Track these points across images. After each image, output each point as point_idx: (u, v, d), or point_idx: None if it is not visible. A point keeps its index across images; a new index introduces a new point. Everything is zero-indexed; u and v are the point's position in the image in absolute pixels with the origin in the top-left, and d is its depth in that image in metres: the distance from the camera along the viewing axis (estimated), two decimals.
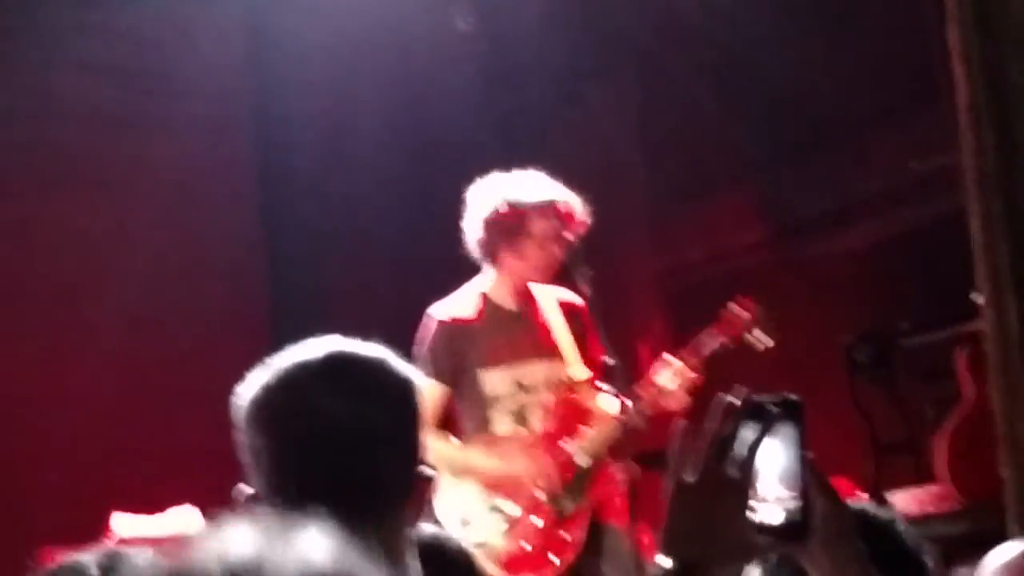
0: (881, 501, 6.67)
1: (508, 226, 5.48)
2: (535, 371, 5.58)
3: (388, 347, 2.22)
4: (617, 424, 5.49)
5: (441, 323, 5.55)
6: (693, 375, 5.45)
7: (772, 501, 1.94)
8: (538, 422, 5.59)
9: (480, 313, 5.59)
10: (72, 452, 7.20)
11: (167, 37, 7.80)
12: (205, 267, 7.77)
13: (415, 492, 2.16)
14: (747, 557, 1.97)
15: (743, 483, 1.92)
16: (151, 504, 6.50)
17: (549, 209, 5.47)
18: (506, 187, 5.54)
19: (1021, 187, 4.88)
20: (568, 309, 5.64)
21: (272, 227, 8.24)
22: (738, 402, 1.95)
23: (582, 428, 5.56)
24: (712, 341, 5.58)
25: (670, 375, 5.46)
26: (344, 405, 2.11)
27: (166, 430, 7.47)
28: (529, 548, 5.54)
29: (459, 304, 5.62)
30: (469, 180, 5.60)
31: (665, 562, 1.89)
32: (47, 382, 7.29)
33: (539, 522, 5.55)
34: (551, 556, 5.53)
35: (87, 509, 6.14)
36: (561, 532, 5.54)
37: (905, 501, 6.47)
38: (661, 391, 5.45)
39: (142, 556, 1.83)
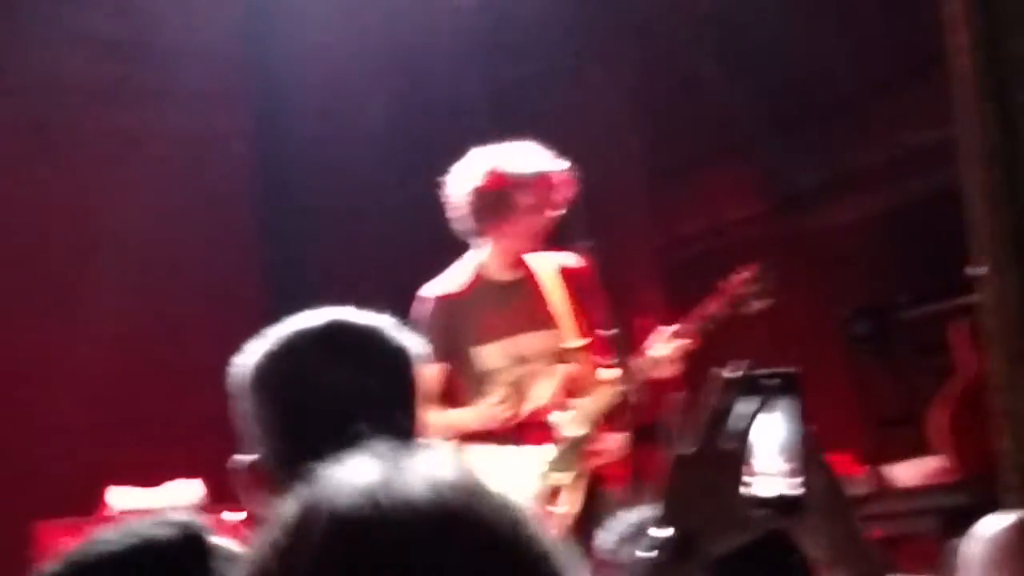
0: (879, 473, 6.68)
1: (493, 197, 5.46)
2: (532, 342, 5.57)
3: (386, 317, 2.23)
4: (611, 392, 5.48)
5: (432, 300, 5.55)
6: (686, 342, 5.44)
7: (769, 475, 1.95)
8: (538, 393, 5.58)
9: (471, 287, 5.57)
10: (69, 425, 7.20)
11: (163, 8, 7.77)
12: (202, 239, 7.76)
13: None
14: (744, 530, 1.98)
15: (739, 456, 1.93)
16: (148, 477, 6.50)
17: (534, 178, 5.45)
18: (489, 158, 5.52)
19: (1019, 159, 4.87)
20: (569, 274, 5.62)
21: (269, 199, 8.23)
22: (735, 376, 1.96)
23: (573, 399, 5.56)
24: (709, 307, 5.58)
25: (662, 342, 5.46)
26: (342, 372, 2.12)
27: (163, 402, 7.47)
28: None
29: (450, 281, 5.61)
30: (462, 153, 5.60)
31: (663, 532, 1.90)
32: (43, 355, 7.29)
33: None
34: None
35: (84, 482, 6.15)
36: (546, 504, 5.54)
37: (903, 473, 6.49)
38: (654, 359, 5.44)
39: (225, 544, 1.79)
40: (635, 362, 5.47)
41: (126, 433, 7.29)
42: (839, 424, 6.57)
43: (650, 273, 8.33)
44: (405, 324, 2.23)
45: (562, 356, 5.56)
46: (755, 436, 1.95)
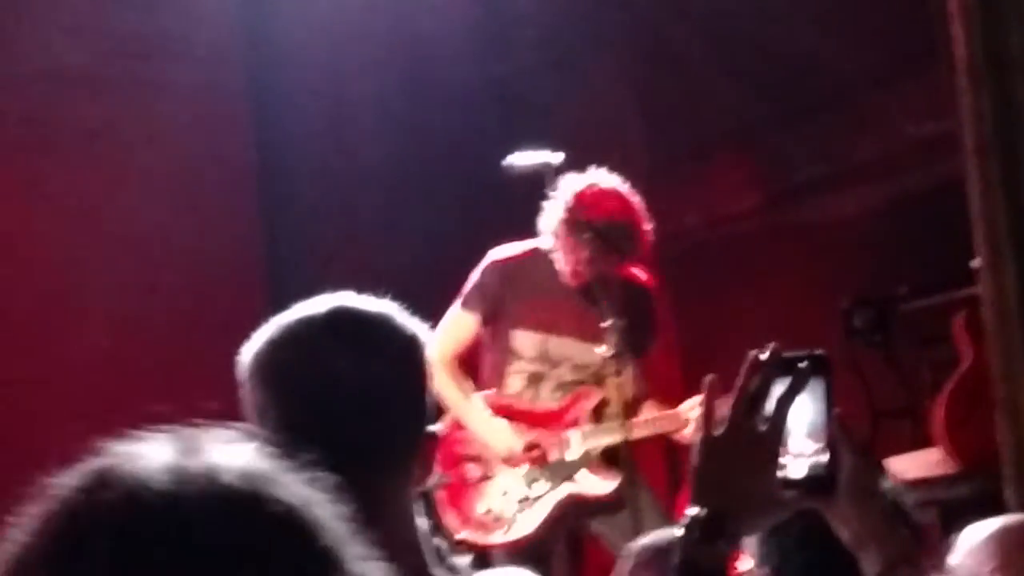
0: (878, 465, 6.67)
1: (572, 233, 5.39)
2: (566, 348, 5.54)
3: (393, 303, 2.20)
4: (623, 433, 5.43)
5: (497, 262, 5.55)
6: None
7: (798, 455, 1.96)
8: (549, 395, 5.58)
9: (537, 261, 5.51)
10: (66, 415, 7.19)
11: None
12: (201, 231, 7.74)
13: (421, 449, 2.15)
14: (775, 511, 2.00)
15: (772, 438, 1.96)
16: None
17: (611, 232, 5.37)
18: (587, 195, 5.42)
19: (1019, 151, 4.87)
20: (631, 290, 5.57)
21: (267, 190, 8.22)
22: (768, 357, 1.97)
23: (587, 421, 5.54)
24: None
25: (692, 415, 5.39)
26: (348, 360, 2.09)
27: (161, 394, 7.45)
28: (482, 511, 5.54)
29: (520, 249, 5.58)
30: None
31: (695, 511, 1.92)
32: (40, 344, 7.28)
33: (502, 490, 5.55)
34: (498, 531, 5.51)
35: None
36: (520, 511, 5.53)
37: (903, 466, 6.48)
38: (677, 424, 5.41)
39: None
40: (658, 418, 5.45)
41: (122, 425, 7.28)
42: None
43: (650, 271, 8.32)
44: (410, 311, 2.20)
45: (600, 372, 5.52)
46: (789, 418, 1.96)
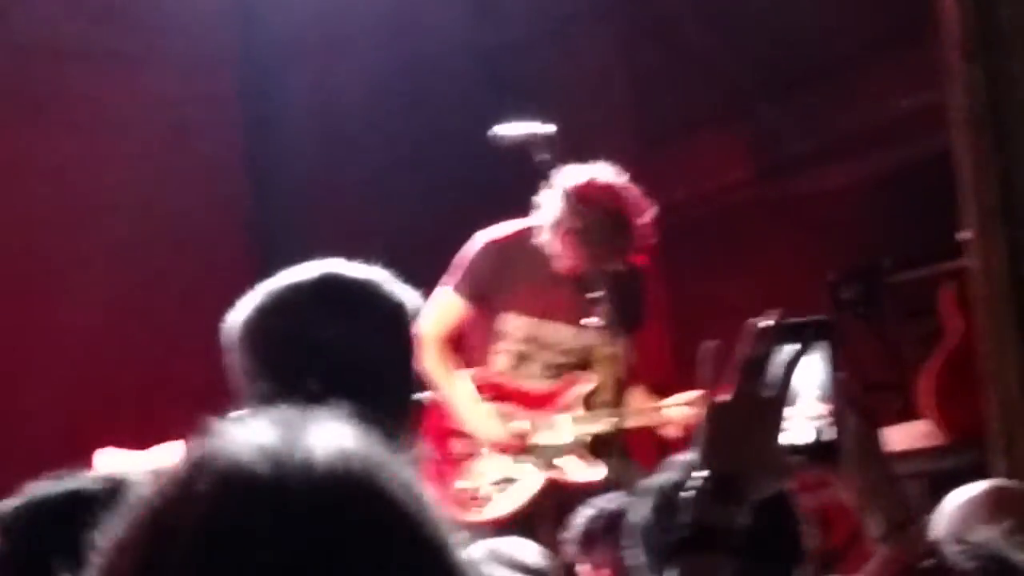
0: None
1: (570, 226, 5.35)
2: (557, 332, 5.53)
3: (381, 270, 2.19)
4: (615, 422, 5.42)
5: (488, 244, 5.52)
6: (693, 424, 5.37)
7: (804, 421, 1.98)
8: (536, 375, 5.57)
9: (528, 243, 5.48)
10: (57, 389, 7.19)
11: None
12: (189, 203, 7.73)
13: (410, 417, 2.14)
14: (782, 475, 2.03)
15: (777, 403, 1.99)
16: (138, 440, 6.49)
17: (609, 228, 5.34)
18: (587, 189, 5.38)
19: (1009, 124, 4.87)
20: (623, 271, 5.55)
21: (257, 163, 8.21)
22: (770, 324, 1.98)
23: (579, 407, 5.53)
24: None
25: (679, 409, 5.38)
26: (336, 326, 2.08)
27: (151, 366, 7.46)
28: (463, 487, 5.53)
29: (510, 231, 5.56)
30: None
31: (702, 475, 1.96)
32: (30, 319, 7.27)
33: (484, 469, 5.55)
34: (475, 507, 5.51)
35: (73, 445, 6.13)
36: (500, 490, 5.53)
37: (891, 438, 6.49)
38: (664, 418, 5.40)
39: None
40: (646, 411, 5.44)
41: (115, 396, 7.28)
42: None
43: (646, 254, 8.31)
44: (398, 279, 2.19)
45: (588, 358, 5.51)
46: (794, 383, 1.98)
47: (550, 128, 5.44)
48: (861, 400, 2.19)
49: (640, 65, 8.36)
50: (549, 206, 5.39)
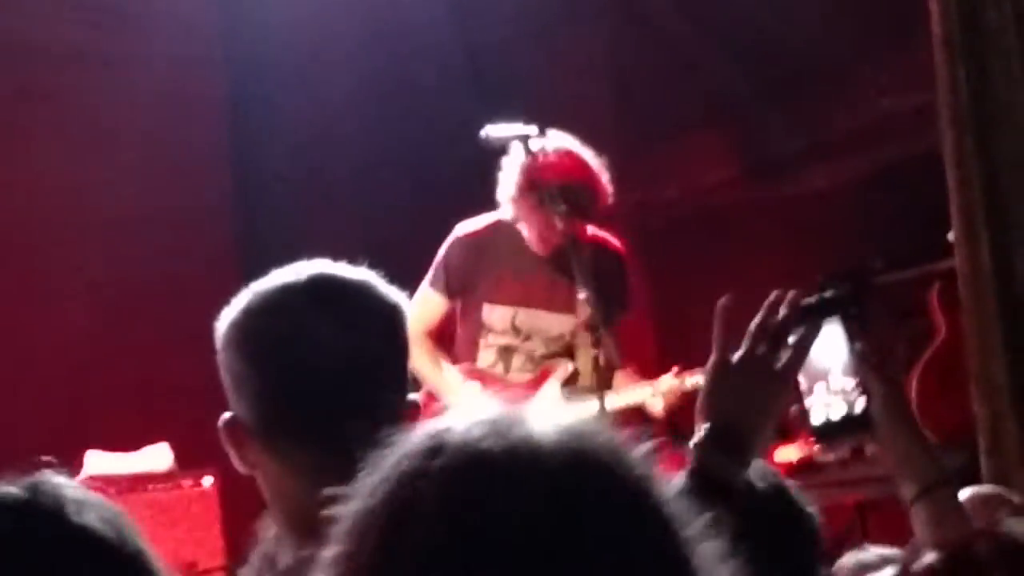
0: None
1: (531, 198, 5.36)
2: (537, 320, 5.53)
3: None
4: (592, 409, 5.42)
5: (460, 237, 5.54)
6: (677, 397, 5.37)
7: (835, 396, 2.05)
8: (520, 368, 5.57)
9: (502, 233, 5.49)
10: (45, 390, 7.18)
11: None
12: (175, 204, 7.72)
13: (403, 418, 2.14)
14: (774, 435, 2.15)
15: (787, 373, 2.10)
16: (125, 442, 6.48)
17: (568, 192, 5.33)
18: (563, 150, 5.38)
19: (995, 125, 4.88)
20: (603, 256, 5.54)
21: (242, 163, 8.20)
22: (786, 296, 2.05)
23: (558, 394, 5.53)
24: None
25: (658, 390, 5.38)
26: (330, 328, 2.06)
27: (138, 369, 7.45)
28: None
29: (480, 224, 5.57)
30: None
31: (707, 426, 2.04)
32: (17, 320, 7.25)
33: None
34: None
35: (61, 447, 6.12)
36: None
37: None
38: (646, 401, 5.40)
39: (71, 488, 1.79)
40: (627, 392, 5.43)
41: (101, 398, 7.27)
42: None
43: (624, 239, 8.32)
44: (384, 279, 2.18)
45: (571, 343, 5.51)
46: (813, 358, 2.10)
47: (536, 129, 5.44)
48: (885, 366, 2.23)
49: (627, 65, 8.36)
50: (509, 180, 5.41)
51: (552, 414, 1.18)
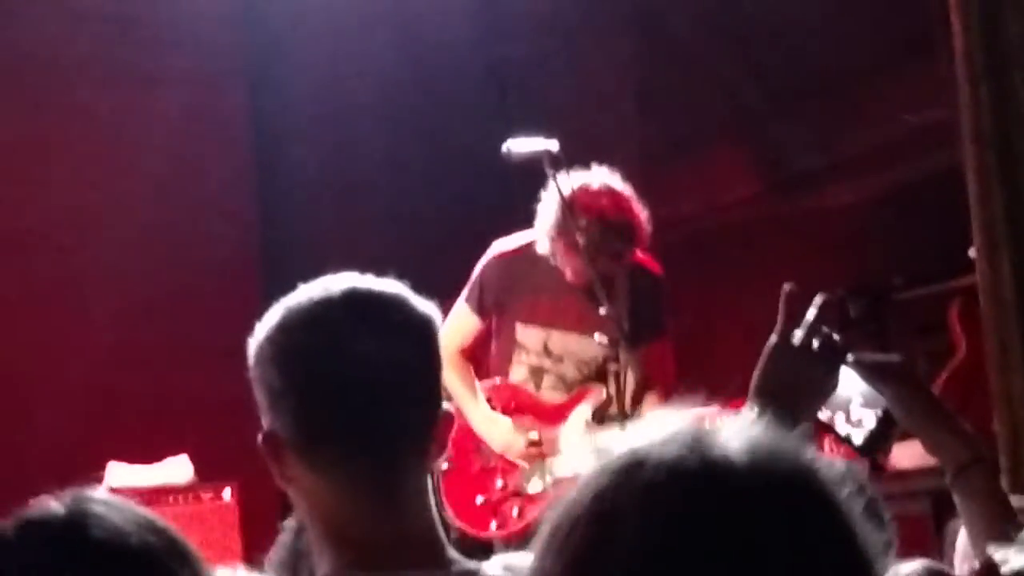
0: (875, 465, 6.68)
1: (570, 238, 5.32)
2: (568, 343, 5.52)
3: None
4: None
5: (496, 256, 5.54)
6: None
7: (857, 424, 2.18)
8: (549, 389, 5.57)
9: (538, 253, 5.44)
10: (66, 403, 7.20)
11: None
12: (200, 218, 7.74)
13: (438, 430, 2.15)
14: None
15: (829, 371, 2.25)
16: (146, 454, 6.51)
17: (603, 229, 5.31)
18: (576, 194, 5.35)
19: (1016, 140, 4.87)
20: (639, 278, 5.52)
21: (266, 177, 8.22)
22: (831, 299, 2.31)
23: (589, 420, 5.52)
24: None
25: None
26: (367, 342, 2.07)
27: (159, 382, 7.46)
28: (480, 501, 5.55)
29: (519, 242, 5.56)
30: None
31: (754, 404, 2.15)
32: (41, 334, 7.28)
33: (499, 483, 5.56)
34: (493, 522, 5.53)
35: (82, 460, 6.14)
36: (514, 505, 5.54)
37: (898, 456, 6.49)
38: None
39: (116, 505, 1.82)
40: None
41: (123, 411, 7.29)
42: None
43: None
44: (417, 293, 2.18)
45: (604, 367, 5.50)
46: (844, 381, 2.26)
47: (556, 144, 5.43)
48: (893, 367, 2.34)
49: (649, 80, 8.37)
50: (547, 217, 5.39)
51: (742, 429, 1.22)
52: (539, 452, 5.55)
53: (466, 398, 5.54)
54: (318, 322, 2.09)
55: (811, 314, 2.25)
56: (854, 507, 1.22)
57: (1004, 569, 2.06)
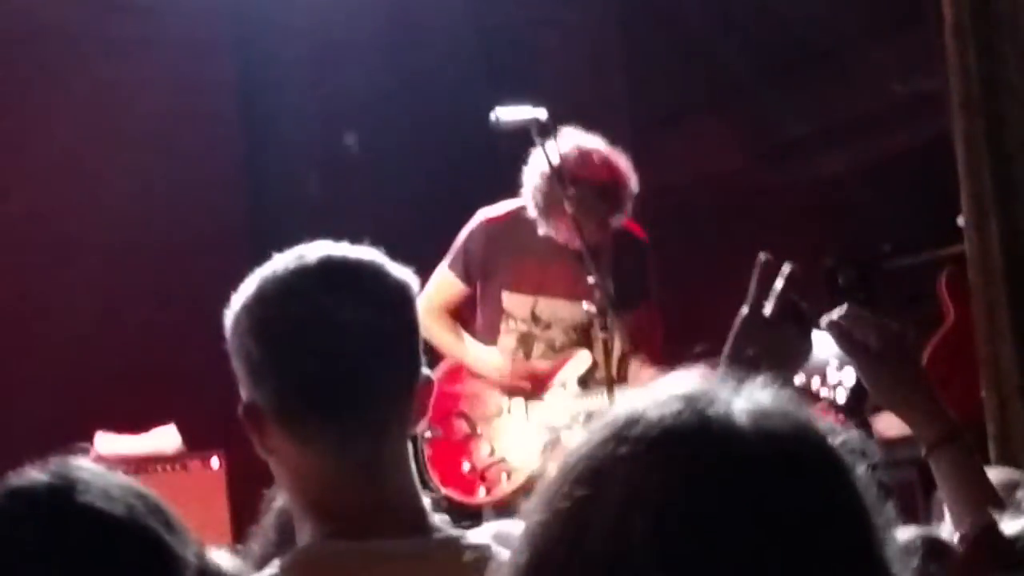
0: (863, 424, 6.69)
1: (561, 203, 5.30)
2: (556, 309, 5.52)
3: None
4: (611, 398, 5.42)
5: (482, 223, 5.52)
6: None
7: (836, 385, 2.21)
8: (539, 356, 5.57)
9: (524, 220, 5.43)
10: (53, 372, 7.19)
11: None
12: (187, 190, 7.72)
13: (418, 397, 2.14)
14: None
15: (803, 342, 2.25)
16: (133, 423, 6.50)
17: (593, 193, 5.29)
18: (565, 159, 5.32)
19: (1005, 110, 4.87)
20: (625, 244, 5.51)
21: (254, 146, 8.20)
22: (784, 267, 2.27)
23: (575, 385, 5.53)
24: None
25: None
26: (345, 310, 2.06)
27: (146, 351, 7.46)
28: (466, 468, 5.56)
29: (505, 209, 5.54)
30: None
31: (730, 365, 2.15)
32: (29, 304, 7.27)
33: (486, 449, 5.57)
34: (481, 487, 5.54)
35: (69, 429, 6.13)
36: (503, 471, 5.54)
37: (885, 424, 6.50)
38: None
39: (100, 473, 1.82)
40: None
41: (110, 380, 7.28)
42: None
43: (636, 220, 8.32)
44: (398, 261, 2.17)
45: (588, 331, 5.50)
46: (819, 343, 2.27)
47: (545, 112, 5.41)
48: (883, 339, 2.38)
49: (637, 49, 8.36)
50: (534, 183, 5.37)
51: (745, 393, 1.21)
52: (537, 384, 5.54)
53: (453, 343, 5.54)
54: (294, 292, 2.08)
55: (779, 283, 2.25)
56: (856, 469, 1.22)
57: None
